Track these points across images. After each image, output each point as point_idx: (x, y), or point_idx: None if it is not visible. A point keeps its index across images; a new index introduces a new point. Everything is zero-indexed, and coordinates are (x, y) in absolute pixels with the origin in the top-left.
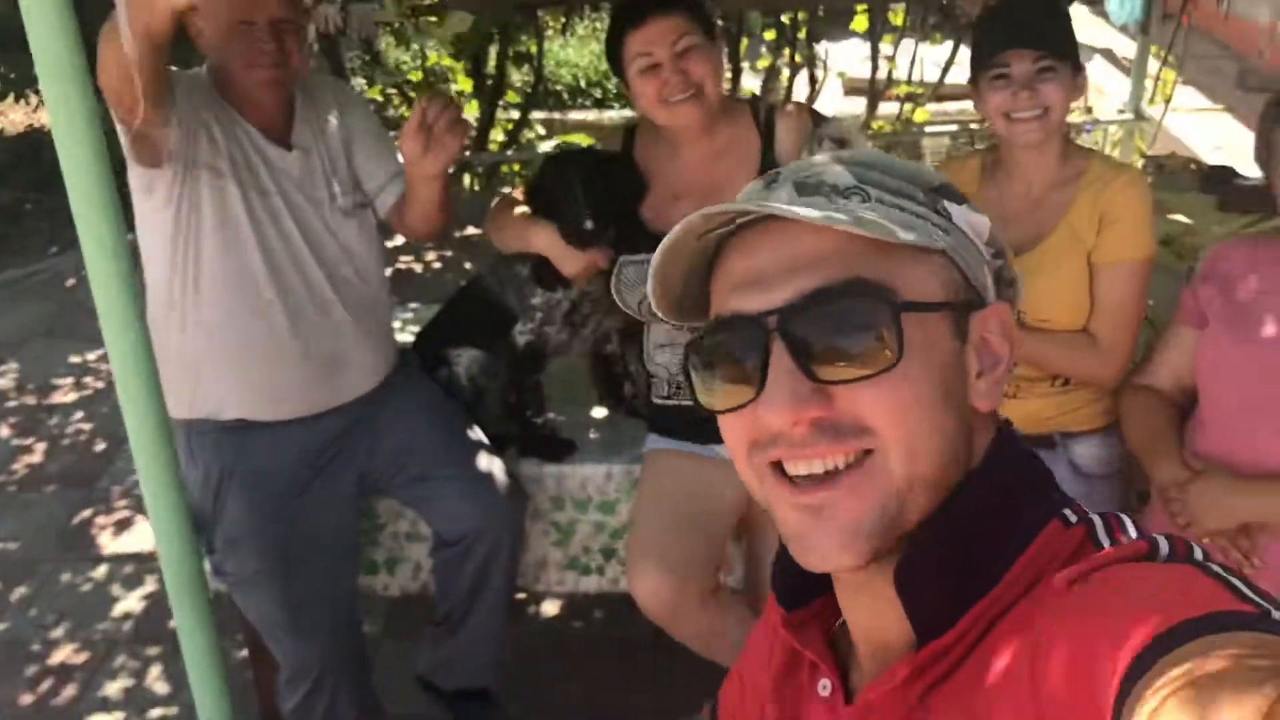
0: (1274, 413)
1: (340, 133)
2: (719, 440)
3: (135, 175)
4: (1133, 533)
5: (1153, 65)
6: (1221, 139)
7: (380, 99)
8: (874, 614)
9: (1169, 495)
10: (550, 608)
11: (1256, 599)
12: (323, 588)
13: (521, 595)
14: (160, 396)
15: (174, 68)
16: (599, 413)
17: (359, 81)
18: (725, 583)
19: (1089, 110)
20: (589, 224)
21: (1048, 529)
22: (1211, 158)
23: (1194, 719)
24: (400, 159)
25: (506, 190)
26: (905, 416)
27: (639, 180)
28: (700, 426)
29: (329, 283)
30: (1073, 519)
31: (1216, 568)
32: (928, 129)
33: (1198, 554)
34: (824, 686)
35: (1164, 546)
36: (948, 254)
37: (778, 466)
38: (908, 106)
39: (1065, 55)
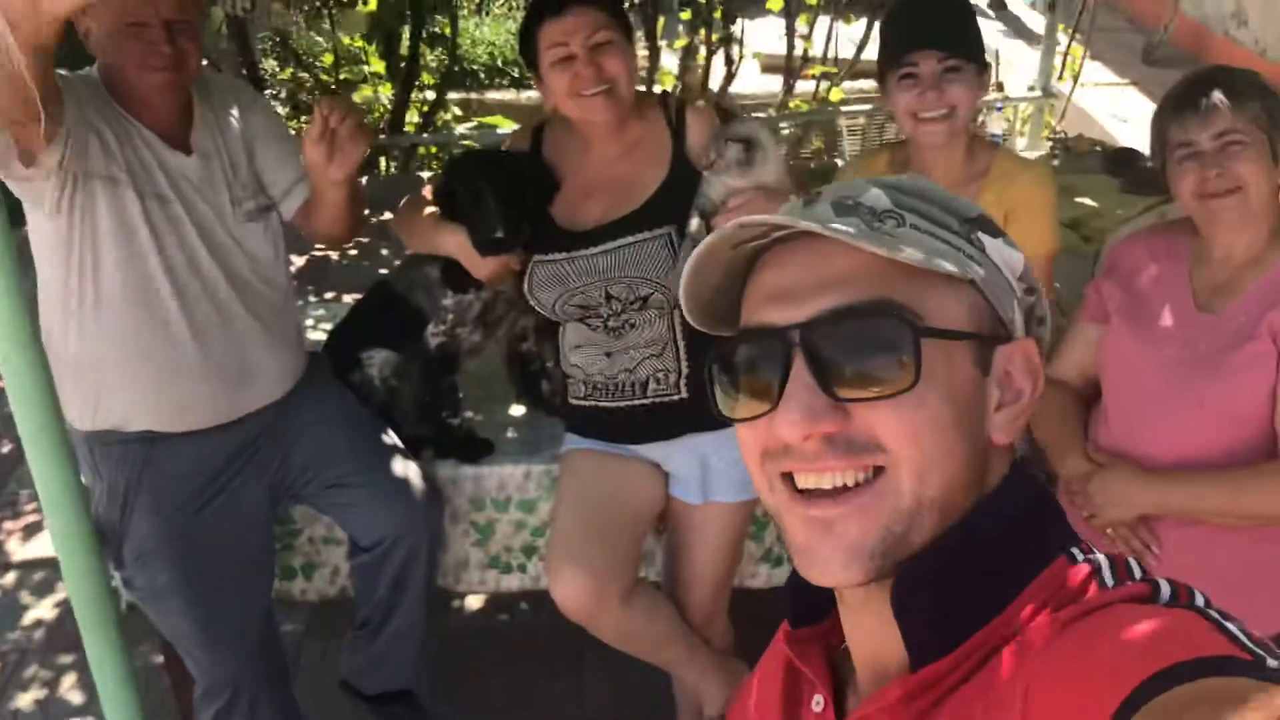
0: (1174, 406)
1: (242, 135)
2: (635, 441)
3: (15, 186)
4: (1138, 574)
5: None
6: (1129, 113)
7: (291, 83)
8: (875, 636)
9: (1072, 488)
10: (475, 603)
11: (1252, 646)
12: (235, 600)
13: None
14: (56, 410)
15: (61, 71)
16: (517, 411)
17: (270, 64)
18: (646, 576)
19: (1000, 87)
20: (499, 233)
21: (1054, 565)
22: (1119, 131)
23: None
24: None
25: (424, 175)
26: (919, 438)
27: (550, 179)
28: (617, 427)
29: (234, 290)
30: (1079, 557)
31: (1215, 614)
32: (844, 108)
33: (1199, 600)
34: (817, 702)
35: (1165, 590)
36: (977, 285)
37: (788, 478)
38: (823, 85)
39: (971, 55)
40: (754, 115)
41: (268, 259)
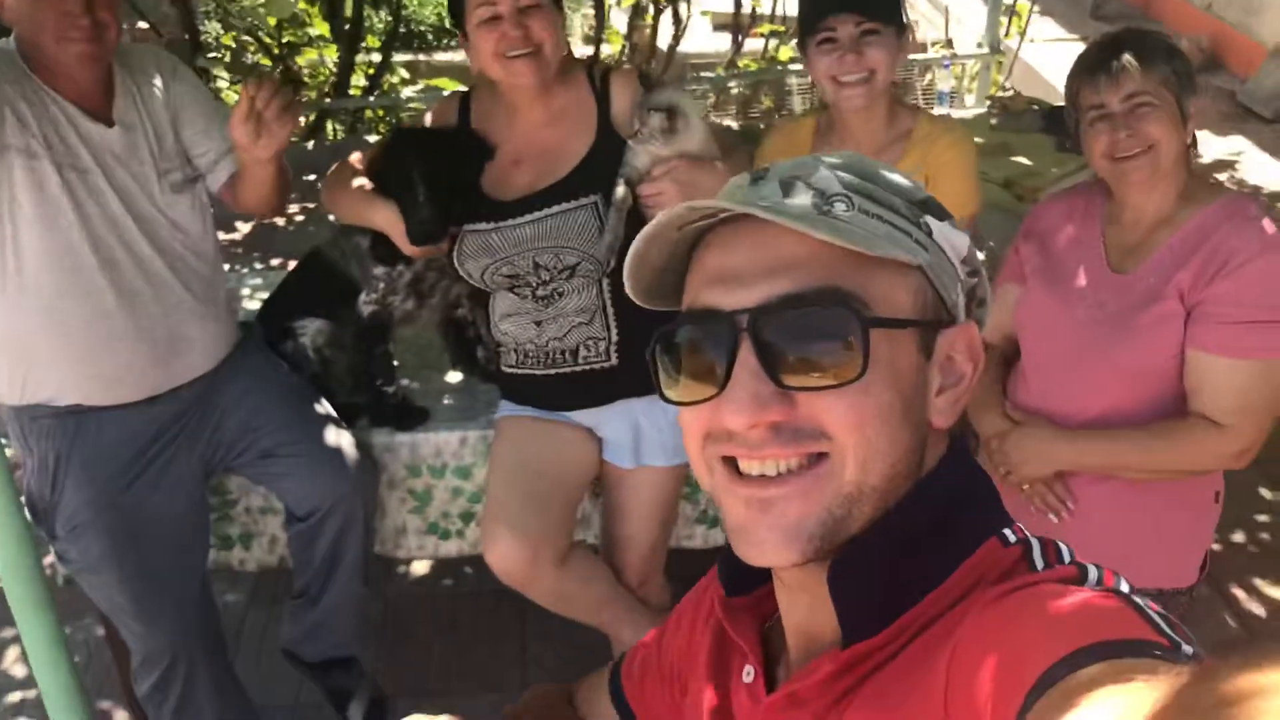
0: (1087, 366)
1: (166, 106)
2: (567, 408)
3: None
4: (1067, 557)
5: None
6: None
7: (234, 46)
8: (809, 612)
9: (990, 446)
10: (419, 569)
11: (1170, 633)
12: (169, 571)
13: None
14: None
15: None
16: (453, 378)
17: (214, 26)
18: (584, 540)
19: (949, 44)
20: (427, 213)
21: (986, 545)
22: None
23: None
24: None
25: (370, 139)
26: (864, 428)
27: (483, 152)
28: (549, 395)
29: (162, 261)
30: (1011, 539)
31: (1139, 601)
32: (792, 66)
33: (1123, 585)
34: (748, 673)
35: (1093, 574)
36: (924, 271)
37: (730, 460)
38: (773, 43)
39: (889, 18)
40: (701, 74)
41: (196, 230)
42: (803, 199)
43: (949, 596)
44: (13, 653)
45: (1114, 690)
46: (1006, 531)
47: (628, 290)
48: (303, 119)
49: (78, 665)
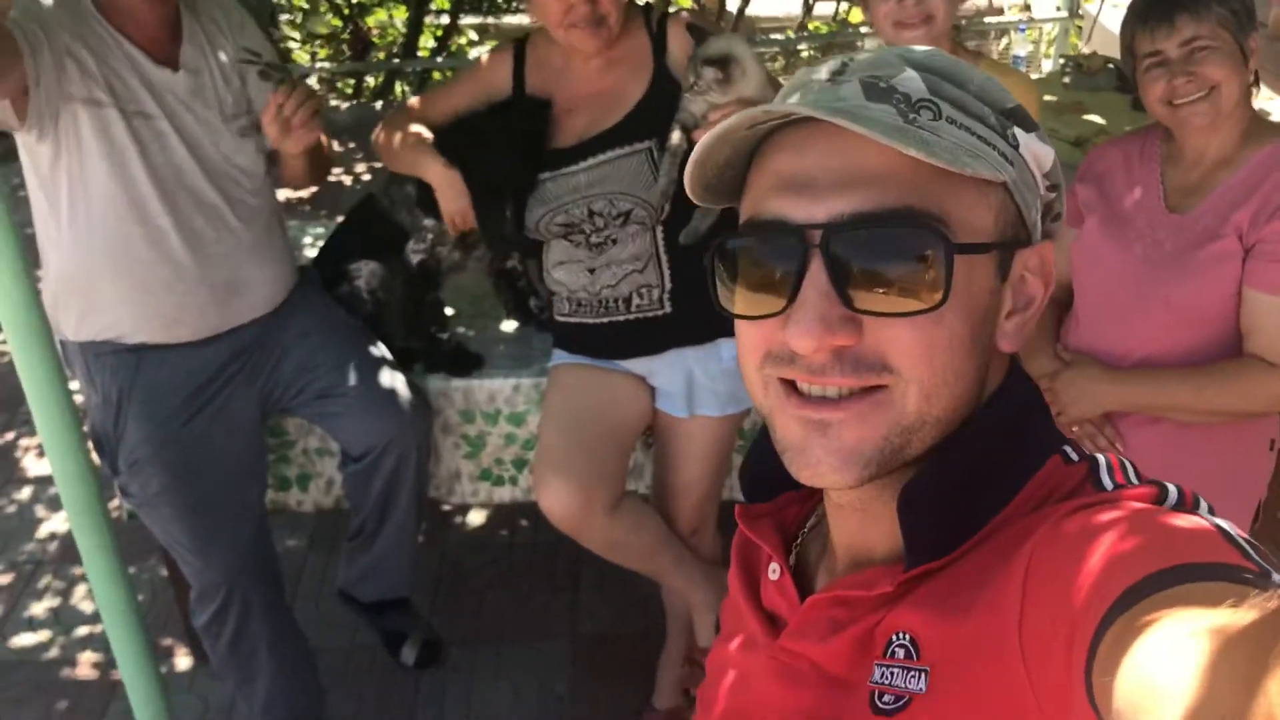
0: (1141, 305)
1: (233, 55)
2: (620, 356)
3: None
4: (1134, 476)
5: None
6: None
7: (306, 5)
8: (861, 529)
9: (1040, 387)
10: (476, 518)
11: (1259, 559)
12: (226, 506)
13: (446, 507)
14: (45, 327)
15: None
16: (509, 326)
17: None
18: (636, 490)
19: (1026, 8)
20: (510, 229)
21: (1049, 464)
22: None
23: (1157, 646)
24: None
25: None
26: (932, 360)
27: (541, 113)
28: (601, 343)
29: (225, 204)
30: (1074, 456)
31: (1225, 524)
32: (864, 29)
33: (1204, 507)
34: (774, 570)
35: (1173, 494)
36: (1008, 187)
37: (788, 380)
38: (843, 6)
39: None
40: (770, 37)
41: (258, 175)
42: (886, 104)
43: (1015, 515)
44: (81, 589)
45: (1198, 612)
46: (1068, 449)
47: (687, 186)
48: (371, 79)
49: (141, 603)
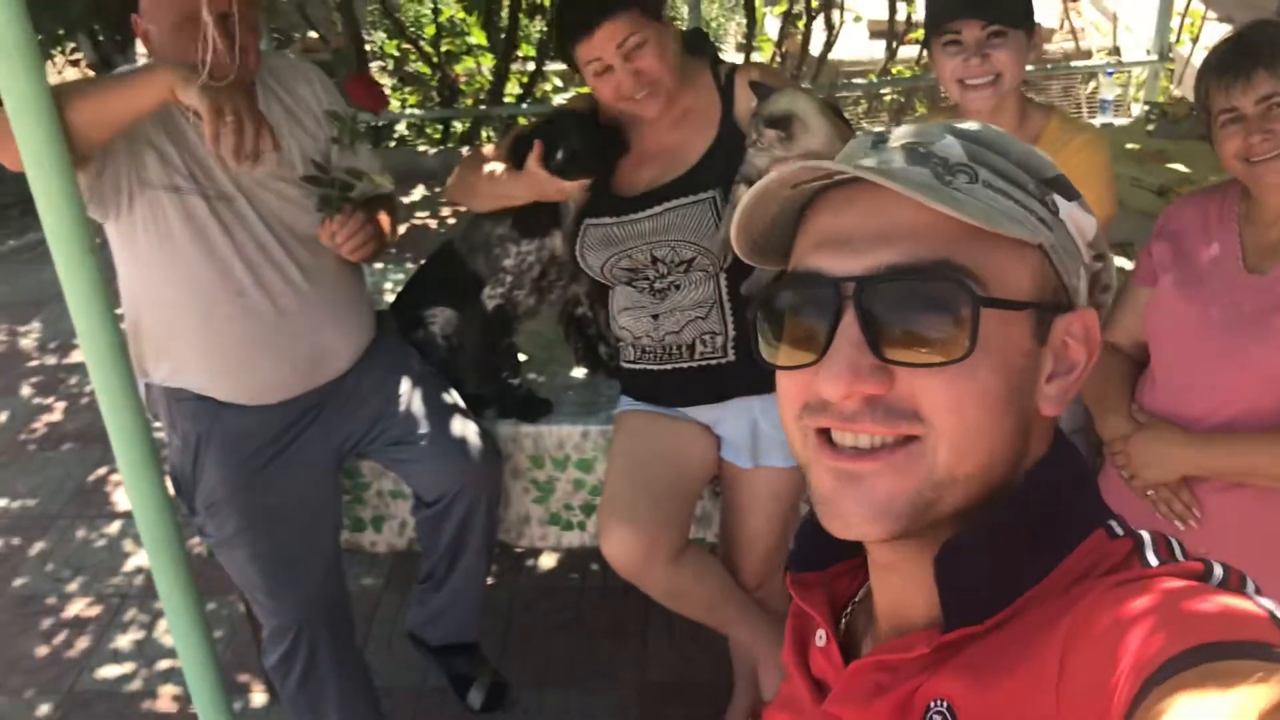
0: (1219, 367)
1: (318, 121)
2: (685, 403)
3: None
4: (1179, 554)
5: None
6: None
7: (397, 54)
8: (900, 593)
9: (1114, 449)
10: (547, 562)
11: None
12: (299, 551)
13: (518, 550)
14: (127, 365)
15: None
16: (578, 372)
17: (378, 36)
18: (704, 538)
19: (1116, 51)
20: (579, 142)
21: (1093, 537)
22: None
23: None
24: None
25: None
26: (962, 413)
27: (620, 139)
28: (666, 390)
29: (308, 273)
30: (1119, 531)
31: (1266, 602)
32: None
33: (1250, 586)
34: (820, 638)
35: (1218, 572)
36: (1045, 251)
37: (824, 432)
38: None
39: (1017, 21)
40: (853, 80)
41: None
42: (923, 167)
43: (1055, 587)
44: (164, 623)
45: (1229, 690)
46: (1113, 523)
47: (734, 245)
48: (459, 125)
49: (218, 639)
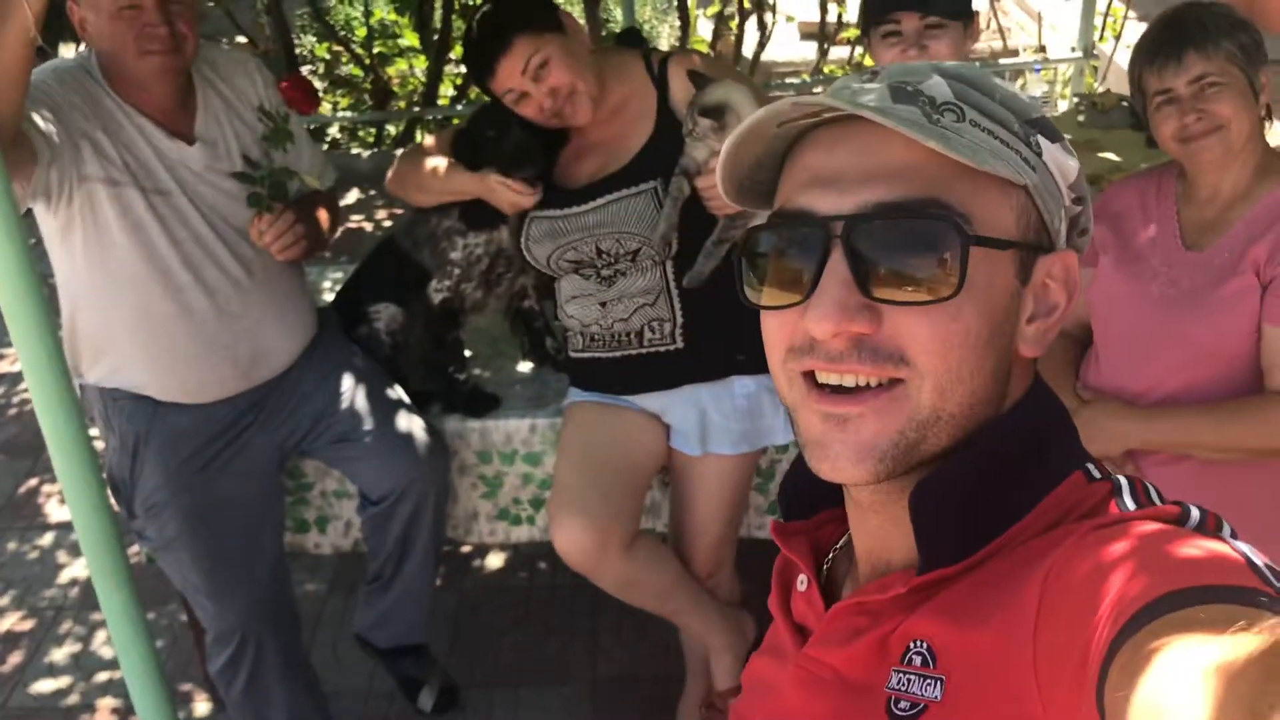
0: (1160, 344)
1: (249, 117)
2: (633, 391)
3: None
4: (1157, 499)
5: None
6: None
7: (328, 57)
8: (880, 535)
9: None
10: (494, 561)
11: (1276, 582)
12: (242, 550)
13: (466, 549)
14: (65, 373)
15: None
16: (525, 366)
17: (308, 39)
18: (653, 528)
19: (1042, 49)
20: (522, 135)
21: (1070, 479)
22: None
23: (1168, 668)
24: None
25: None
26: (947, 353)
27: (560, 131)
28: (615, 378)
29: (247, 269)
30: (1096, 474)
31: (1245, 548)
32: None
33: (1226, 530)
34: (802, 582)
35: (1195, 515)
36: (1030, 192)
37: (809, 375)
38: (859, 50)
39: (954, 13)
40: (786, 81)
41: None
42: (912, 105)
43: (1032, 529)
44: (101, 635)
45: (1208, 637)
46: (1090, 466)
47: (720, 185)
48: (392, 127)
49: (160, 648)
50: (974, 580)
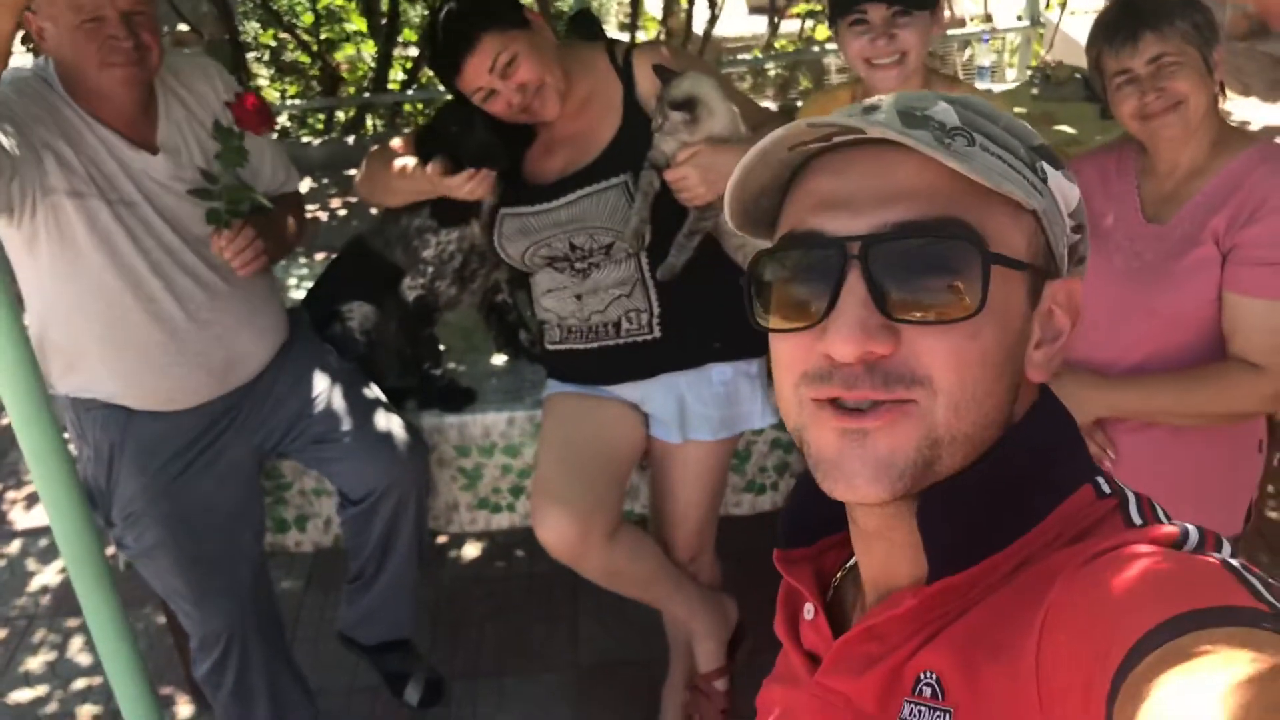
0: (1125, 315)
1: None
2: (611, 381)
3: None
4: (1163, 516)
5: None
6: None
7: (274, 44)
8: (887, 559)
9: None
10: (471, 551)
11: (1272, 599)
12: (223, 556)
13: (443, 539)
14: (39, 378)
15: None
16: (500, 360)
17: (252, 26)
18: (632, 510)
19: (988, 18)
20: (485, 134)
21: (1079, 494)
22: None
23: (1170, 702)
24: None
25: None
26: (964, 372)
27: (526, 127)
28: (593, 369)
29: (218, 276)
30: (1106, 489)
31: (1237, 564)
32: (829, 45)
33: (1225, 549)
34: (808, 611)
35: (1193, 537)
36: (1038, 216)
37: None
38: (809, 24)
39: (921, 2)
40: (738, 57)
41: None
42: (923, 130)
43: (1040, 541)
44: (77, 641)
45: (1210, 661)
46: (1100, 480)
47: (726, 210)
48: (342, 114)
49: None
50: (982, 611)
